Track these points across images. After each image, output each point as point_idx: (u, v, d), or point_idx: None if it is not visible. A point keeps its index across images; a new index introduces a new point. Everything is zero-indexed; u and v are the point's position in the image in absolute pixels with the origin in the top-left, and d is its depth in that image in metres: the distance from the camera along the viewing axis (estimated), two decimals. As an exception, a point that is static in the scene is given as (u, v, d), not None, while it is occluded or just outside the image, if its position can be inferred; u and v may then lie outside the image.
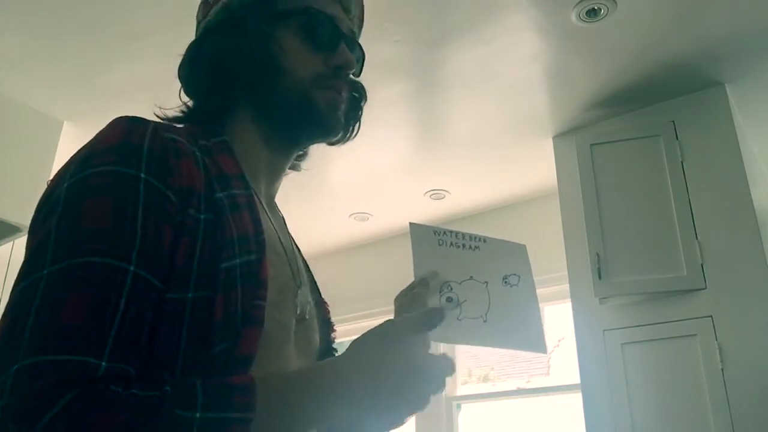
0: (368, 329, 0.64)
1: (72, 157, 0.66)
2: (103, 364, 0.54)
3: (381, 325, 0.65)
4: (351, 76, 0.86)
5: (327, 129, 0.83)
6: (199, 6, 0.85)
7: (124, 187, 0.62)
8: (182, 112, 0.82)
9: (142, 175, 0.63)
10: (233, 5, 0.80)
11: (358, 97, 0.90)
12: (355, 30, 0.90)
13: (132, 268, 0.59)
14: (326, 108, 0.80)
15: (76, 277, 0.57)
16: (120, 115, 0.68)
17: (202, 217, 0.65)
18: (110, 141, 0.65)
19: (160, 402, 0.53)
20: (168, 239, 0.62)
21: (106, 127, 0.67)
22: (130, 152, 0.64)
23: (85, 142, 0.67)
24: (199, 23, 0.85)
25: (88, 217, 0.60)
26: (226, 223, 0.67)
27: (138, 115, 0.69)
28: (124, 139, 0.65)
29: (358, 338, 0.64)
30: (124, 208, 0.61)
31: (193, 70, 0.81)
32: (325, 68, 0.80)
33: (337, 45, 0.82)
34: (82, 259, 0.57)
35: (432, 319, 0.66)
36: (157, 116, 0.79)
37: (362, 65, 0.90)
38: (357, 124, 0.91)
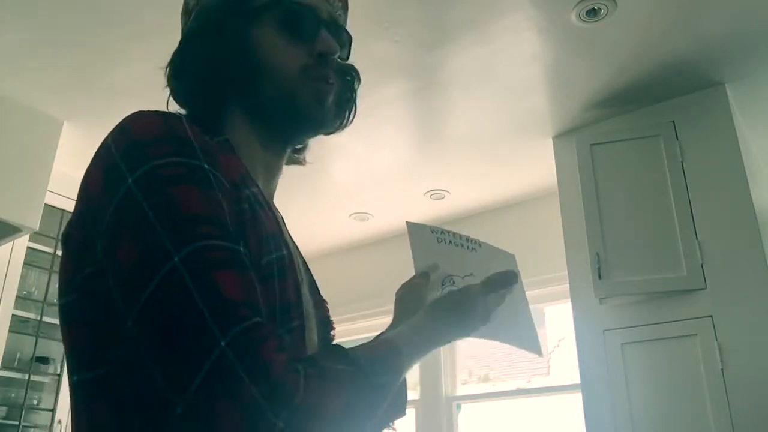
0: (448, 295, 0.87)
1: (106, 154, 0.65)
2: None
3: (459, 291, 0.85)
4: (340, 60, 0.85)
5: (315, 124, 0.82)
6: (181, 15, 0.85)
7: (199, 176, 0.62)
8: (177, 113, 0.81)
9: (206, 166, 0.64)
10: (209, 8, 0.80)
11: (350, 80, 0.88)
12: (339, 13, 0.88)
13: (241, 248, 0.61)
14: (312, 102, 0.79)
15: (208, 258, 0.58)
16: (140, 110, 0.67)
17: (248, 210, 0.67)
18: (155, 133, 0.64)
19: (358, 373, 0.63)
20: (238, 226, 0.64)
21: (134, 121, 0.66)
22: (184, 144, 0.64)
23: (106, 138, 0.66)
24: (182, 30, 0.84)
25: (184, 205, 0.60)
26: (260, 219, 0.69)
27: (159, 110, 0.68)
28: (170, 131, 0.64)
29: (443, 299, 0.84)
30: (209, 195, 0.62)
31: (178, 78, 0.80)
32: (309, 58, 0.79)
33: (316, 33, 0.80)
34: (201, 243, 0.58)
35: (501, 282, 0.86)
36: None
37: (350, 48, 0.88)
38: (353, 109, 0.89)
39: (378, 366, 0.65)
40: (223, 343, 0.54)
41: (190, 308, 0.55)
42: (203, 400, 0.54)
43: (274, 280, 0.67)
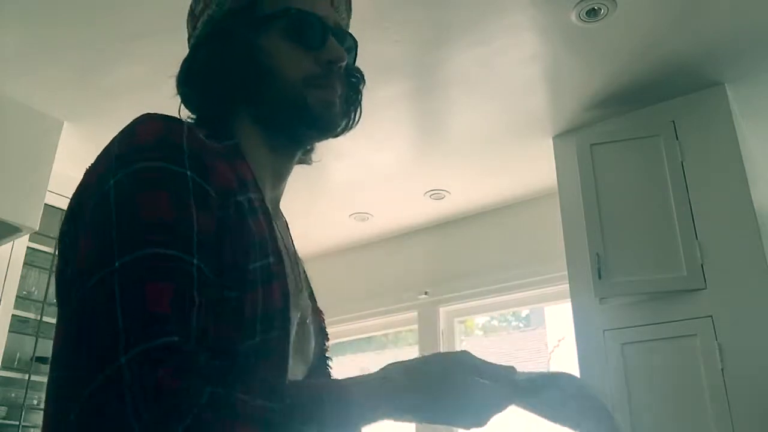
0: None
1: (106, 153, 0.67)
2: (199, 353, 0.57)
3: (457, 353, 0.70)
4: (346, 64, 0.86)
5: (324, 129, 0.83)
6: (187, 19, 0.85)
7: (175, 182, 0.63)
8: (188, 118, 0.82)
9: (188, 173, 0.64)
10: (216, 16, 0.80)
11: (355, 81, 0.89)
12: (344, 17, 0.90)
13: (195, 260, 0.61)
14: (320, 108, 0.80)
15: (148, 267, 0.58)
16: (149, 113, 0.68)
17: (233, 217, 0.67)
18: (149, 138, 0.65)
19: (285, 414, 0.56)
20: (212, 235, 0.64)
21: (138, 124, 0.67)
22: (173, 150, 0.65)
23: (114, 137, 0.68)
24: (189, 37, 0.85)
25: (146, 210, 0.60)
26: (248, 225, 0.68)
27: (167, 114, 0.70)
28: (163, 137, 0.66)
29: (429, 356, 0.69)
30: (178, 202, 0.62)
31: (188, 85, 0.81)
32: (316, 67, 0.80)
33: (324, 41, 0.81)
34: (150, 250, 0.58)
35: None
36: None
37: (356, 53, 0.89)
38: (358, 110, 0.90)
39: (306, 412, 0.57)
40: (123, 360, 0.53)
41: (109, 317, 0.55)
42: (89, 412, 0.53)
43: (258, 286, 0.66)
